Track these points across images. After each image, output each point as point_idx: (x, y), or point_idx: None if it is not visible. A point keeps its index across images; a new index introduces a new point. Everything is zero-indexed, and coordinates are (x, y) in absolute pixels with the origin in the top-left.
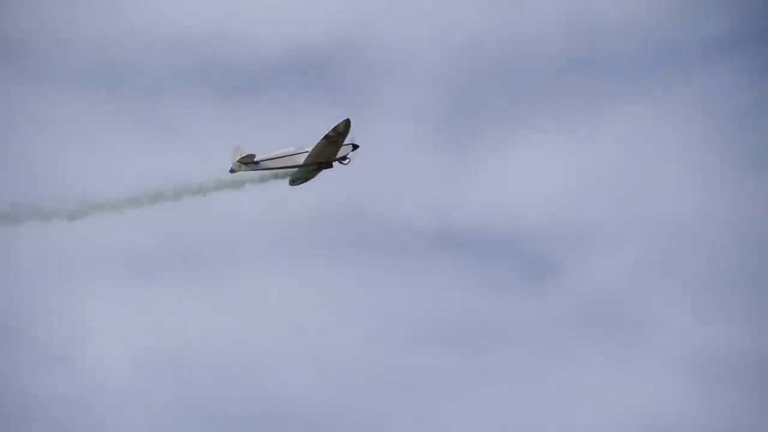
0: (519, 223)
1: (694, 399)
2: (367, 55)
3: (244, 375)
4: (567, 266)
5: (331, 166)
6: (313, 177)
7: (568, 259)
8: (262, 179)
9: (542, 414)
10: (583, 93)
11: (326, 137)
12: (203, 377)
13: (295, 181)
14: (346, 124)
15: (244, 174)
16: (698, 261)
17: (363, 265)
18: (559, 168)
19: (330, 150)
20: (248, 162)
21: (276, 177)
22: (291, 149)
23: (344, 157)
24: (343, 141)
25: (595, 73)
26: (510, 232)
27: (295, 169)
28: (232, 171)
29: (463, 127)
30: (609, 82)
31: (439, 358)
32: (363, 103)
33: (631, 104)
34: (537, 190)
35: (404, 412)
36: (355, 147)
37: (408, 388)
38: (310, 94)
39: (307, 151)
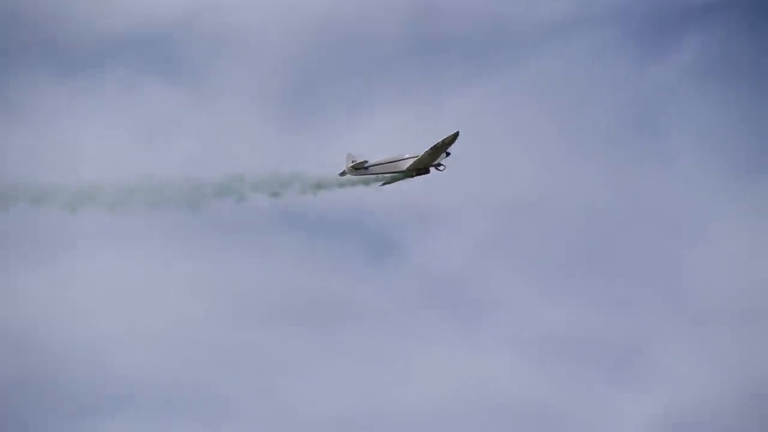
0: (362, 201)
1: (534, 377)
2: (210, 33)
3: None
4: (410, 246)
5: (428, 172)
6: (408, 179)
7: (411, 239)
8: (365, 182)
9: (384, 391)
10: (425, 71)
11: (434, 147)
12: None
13: (387, 183)
14: (455, 136)
15: (352, 177)
16: (538, 241)
17: (206, 244)
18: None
19: (433, 158)
20: (360, 167)
21: (377, 180)
22: (396, 155)
23: (440, 164)
24: (445, 150)
25: (437, 53)
26: (354, 210)
27: (397, 173)
28: (342, 174)
29: (306, 104)
30: (450, 61)
31: (283, 335)
32: (205, 81)
33: (472, 85)
34: None
35: (245, 389)
36: (448, 154)
37: (249, 365)
38: (153, 72)
39: (411, 157)
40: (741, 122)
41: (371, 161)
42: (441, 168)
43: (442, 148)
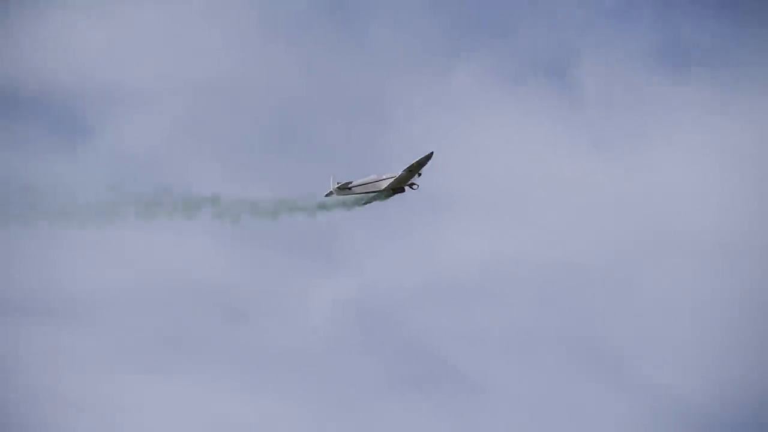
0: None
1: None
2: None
3: None
4: (102, 127)
5: (404, 191)
6: (385, 200)
7: (103, 120)
8: (346, 203)
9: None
10: None
11: (410, 168)
12: None
13: (367, 203)
14: (429, 156)
15: (337, 198)
16: (233, 123)
17: None
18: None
19: (408, 177)
20: (344, 188)
21: (359, 202)
22: (374, 176)
23: (413, 183)
24: (420, 170)
25: None
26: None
27: (376, 193)
28: (329, 194)
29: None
30: None
31: None
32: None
33: None
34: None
35: None
36: (419, 174)
37: None
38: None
39: (389, 178)
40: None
41: (354, 182)
42: (414, 187)
43: (417, 168)
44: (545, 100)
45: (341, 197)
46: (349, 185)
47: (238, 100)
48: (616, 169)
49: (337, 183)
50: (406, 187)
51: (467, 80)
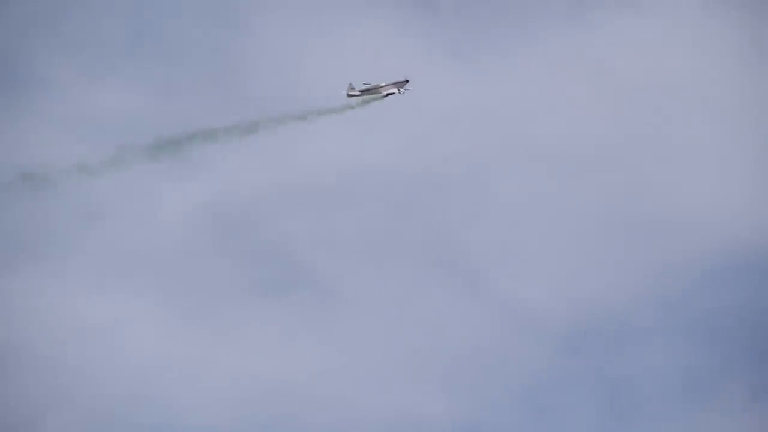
0: None
1: None
2: None
3: None
4: None
5: (394, 94)
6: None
7: None
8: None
9: None
10: None
11: (397, 81)
12: None
13: (367, 102)
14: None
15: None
16: None
17: None
18: None
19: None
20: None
21: (366, 101)
22: (375, 83)
23: (401, 89)
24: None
25: None
26: None
27: (377, 95)
28: (348, 95)
29: None
30: None
31: None
32: None
33: None
34: None
35: None
36: (406, 81)
37: None
38: None
39: (386, 85)
40: None
41: (362, 86)
42: (402, 91)
43: (399, 85)
44: (403, 9)
45: (355, 98)
46: (362, 88)
47: None
48: (469, 77)
49: (352, 87)
50: (395, 91)
51: None
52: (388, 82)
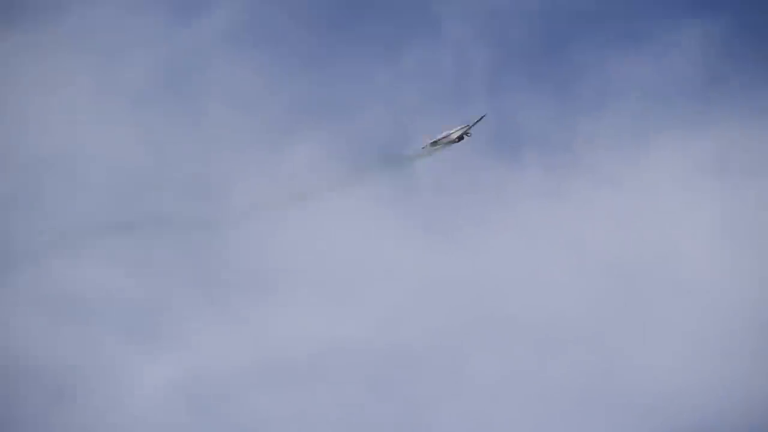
0: None
1: None
2: None
3: None
4: None
5: (463, 139)
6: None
7: None
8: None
9: None
10: None
11: (466, 126)
12: None
13: (443, 147)
14: (481, 118)
15: (429, 150)
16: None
17: None
18: None
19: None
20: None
21: (439, 149)
22: (446, 133)
23: (467, 134)
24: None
25: None
26: None
27: (449, 142)
28: (423, 148)
29: None
30: None
31: None
32: None
33: None
34: None
35: None
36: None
37: None
38: None
39: (455, 131)
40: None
41: (437, 137)
42: (468, 135)
43: (470, 127)
44: (380, 183)
45: (432, 149)
46: (437, 141)
47: (72, 175)
48: (446, 252)
49: (429, 139)
50: (465, 136)
51: (304, 159)
52: (454, 129)
